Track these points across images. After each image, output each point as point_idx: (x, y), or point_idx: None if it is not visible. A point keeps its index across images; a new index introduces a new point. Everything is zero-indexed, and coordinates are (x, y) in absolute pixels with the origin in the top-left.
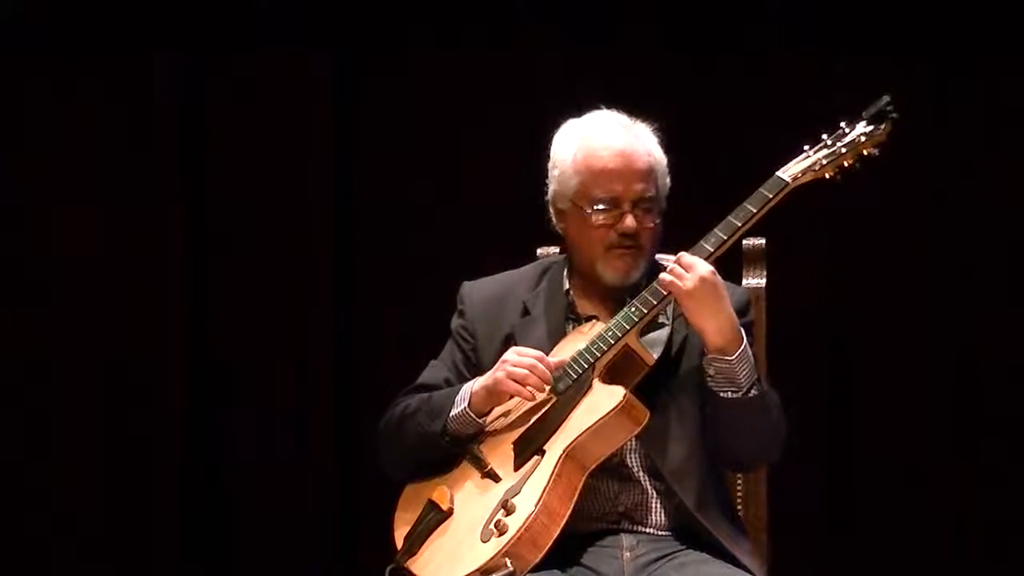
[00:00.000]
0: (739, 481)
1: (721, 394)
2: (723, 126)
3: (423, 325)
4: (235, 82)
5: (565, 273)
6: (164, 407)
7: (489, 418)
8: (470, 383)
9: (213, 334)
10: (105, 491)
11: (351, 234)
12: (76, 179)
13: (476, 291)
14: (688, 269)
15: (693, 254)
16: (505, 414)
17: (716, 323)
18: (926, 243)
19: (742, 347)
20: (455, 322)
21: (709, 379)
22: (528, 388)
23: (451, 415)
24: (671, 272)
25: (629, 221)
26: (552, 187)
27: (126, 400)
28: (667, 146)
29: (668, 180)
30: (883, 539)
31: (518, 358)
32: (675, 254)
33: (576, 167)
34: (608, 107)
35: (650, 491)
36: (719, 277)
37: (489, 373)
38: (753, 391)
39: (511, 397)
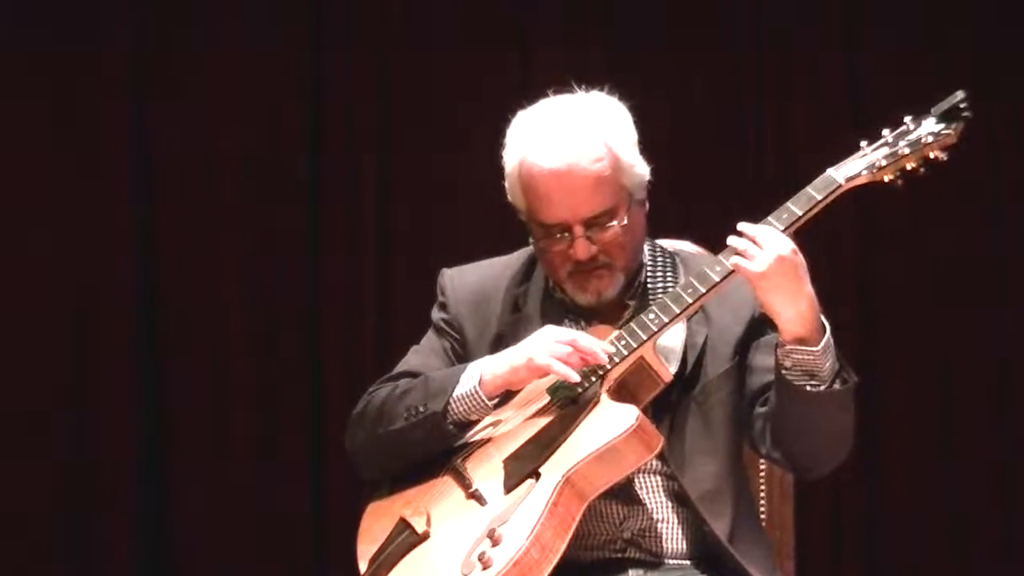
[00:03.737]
0: (762, 502)
1: (797, 384)
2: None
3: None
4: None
5: None
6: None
7: (478, 426)
8: (475, 362)
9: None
10: (55, 510)
11: (323, 231)
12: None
13: (459, 281)
14: (762, 245)
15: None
16: (495, 424)
17: (796, 310)
18: (954, 241)
19: (826, 337)
20: (436, 315)
21: (785, 370)
22: (569, 368)
23: (455, 394)
24: (739, 250)
25: (580, 250)
26: (508, 195)
27: (75, 418)
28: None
29: (637, 164)
30: (921, 563)
31: (558, 334)
32: (680, 239)
33: (521, 184)
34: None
35: (663, 515)
36: (801, 256)
37: (510, 351)
38: (837, 383)
39: (519, 390)
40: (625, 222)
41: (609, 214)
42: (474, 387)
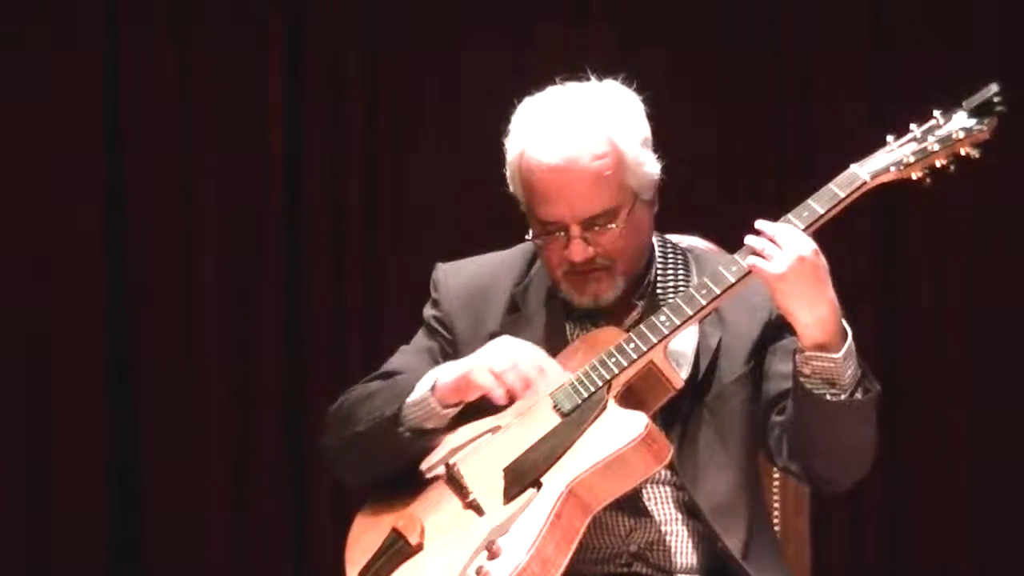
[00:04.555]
0: (776, 516)
1: (816, 392)
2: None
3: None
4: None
5: None
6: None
7: (474, 432)
8: (439, 367)
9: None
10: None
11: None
12: None
13: (453, 277)
14: (781, 245)
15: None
16: (494, 430)
17: (816, 314)
18: (983, 240)
19: (848, 343)
20: (428, 312)
21: (803, 378)
22: (502, 389)
23: (409, 400)
24: (756, 249)
25: (576, 251)
26: (508, 184)
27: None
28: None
29: (646, 161)
30: None
31: (506, 348)
32: (692, 235)
33: (520, 176)
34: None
35: (672, 527)
36: (822, 257)
37: (462, 360)
38: (858, 393)
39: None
40: (626, 224)
41: (609, 215)
42: (427, 393)
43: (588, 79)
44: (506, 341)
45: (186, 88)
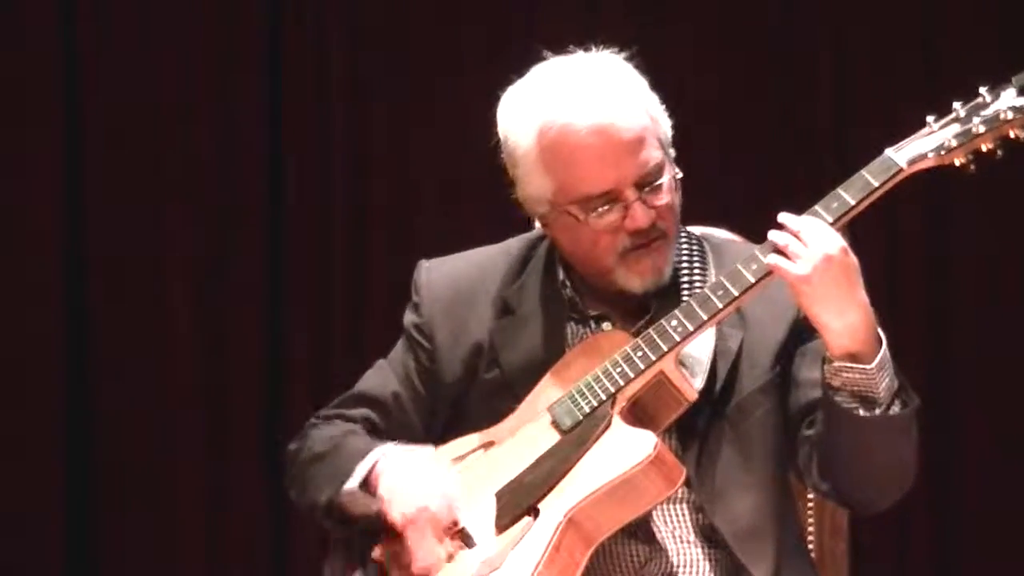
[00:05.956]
0: (810, 537)
1: (846, 407)
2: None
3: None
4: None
5: (556, 260)
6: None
7: (464, 448)
8: (382, 449)
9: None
10: None
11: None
12: None
13: (436, 277)
14: (806, 242)
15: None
16: (487, 446)
17: (845, 320)
18: None
19: (882, 351)
20: (408, 319)
21: (832, 391)
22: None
23: (345, 487)
24: (779, 246)
25: (639, 215)
26: (518, 188)
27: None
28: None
29: (663, 116)
30: None
31: (417, 494)
32: (711, 226)
33: (545, 163)
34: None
35: (692, 555)
36: (852, 256)
37: (391, 476)
38: (895, 406)
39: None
40: (674, 188)
41: (658, 171)
42: (357, 486)
43: (572, 53)
44: (420, 483)
45: (159, 84)
